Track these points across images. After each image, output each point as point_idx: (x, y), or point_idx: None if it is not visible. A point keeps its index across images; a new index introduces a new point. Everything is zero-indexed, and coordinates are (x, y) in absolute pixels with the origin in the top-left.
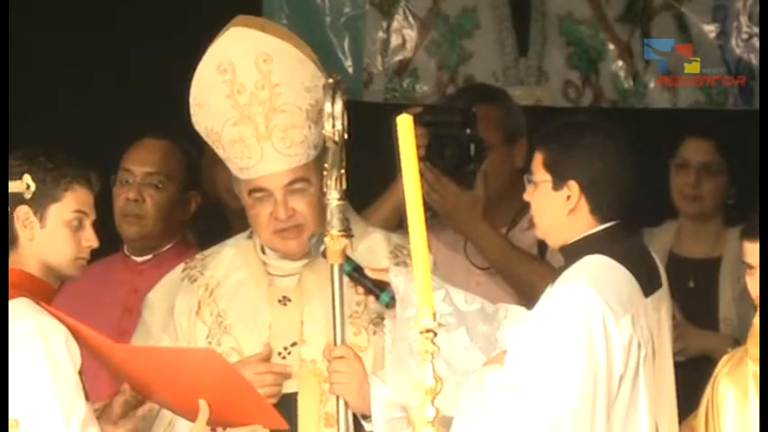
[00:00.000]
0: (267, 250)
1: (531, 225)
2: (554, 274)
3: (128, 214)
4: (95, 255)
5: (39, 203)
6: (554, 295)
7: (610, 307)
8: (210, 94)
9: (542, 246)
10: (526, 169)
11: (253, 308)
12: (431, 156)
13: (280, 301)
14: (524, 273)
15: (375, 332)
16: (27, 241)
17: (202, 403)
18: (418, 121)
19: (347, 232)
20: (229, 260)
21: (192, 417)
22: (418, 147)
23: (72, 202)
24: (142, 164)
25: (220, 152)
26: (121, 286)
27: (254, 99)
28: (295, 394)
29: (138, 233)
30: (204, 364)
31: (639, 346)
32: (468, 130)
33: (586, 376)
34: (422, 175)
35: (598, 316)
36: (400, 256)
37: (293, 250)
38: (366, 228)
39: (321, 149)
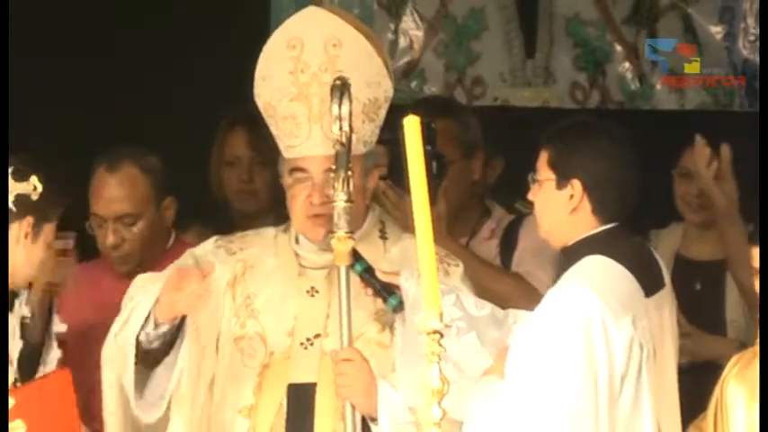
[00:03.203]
0: (300, 241)
1: (492, 235)
2: (555, 273)
3: (113, 254)
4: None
5: (39, 218)
6: (552, 297)
7: (609, 307)
8: (275, 68)
9: (504, 257)
10: (481, 182)
11: (282, 296)
12: (392, 174)
13: (308, 291)
14: (494, 285)
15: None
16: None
17: None
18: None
19: (383, 234)
20: (267, 243)
21: None
22: (379, 166)
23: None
24: (110, 207)
25: (273, 128)
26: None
27: (315, 80)
28: (314, 385)
29: (128, 267)
30: None
31: (641, 346)
32: (428, 147)
33: (587, 377)
34: (384, 194)
35: (597, 316)
36: None
37: (322, 239)
38: (401, 234)
39: (371, 149)
